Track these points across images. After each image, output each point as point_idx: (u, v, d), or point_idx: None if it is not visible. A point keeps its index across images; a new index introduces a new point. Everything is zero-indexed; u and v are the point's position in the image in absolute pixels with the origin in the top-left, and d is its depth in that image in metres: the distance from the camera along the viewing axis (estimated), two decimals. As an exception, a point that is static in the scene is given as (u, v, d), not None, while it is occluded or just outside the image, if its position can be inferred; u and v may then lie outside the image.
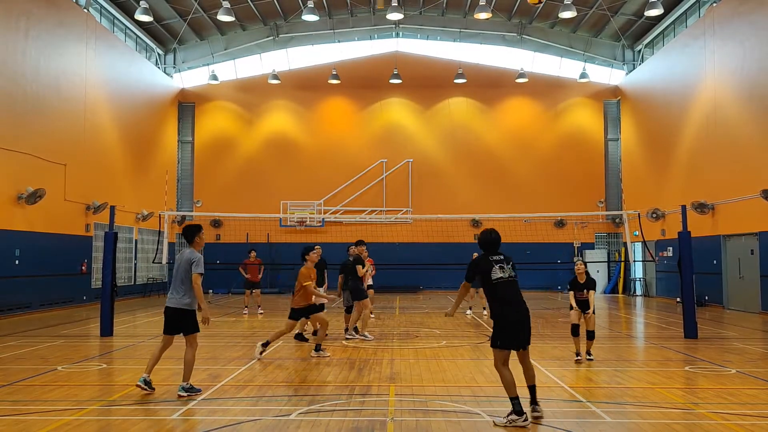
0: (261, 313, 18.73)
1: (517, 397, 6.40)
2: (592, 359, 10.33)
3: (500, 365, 6.56)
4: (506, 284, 6.67)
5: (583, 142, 31.17)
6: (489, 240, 6.95)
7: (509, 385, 6.45)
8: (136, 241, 26.39)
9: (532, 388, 6.64)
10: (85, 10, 22.62)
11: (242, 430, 6.37)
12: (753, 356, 10.99)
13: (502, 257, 6.84)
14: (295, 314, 10.67)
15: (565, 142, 31.01)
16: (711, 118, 21.96)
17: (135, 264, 26.36)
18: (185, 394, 7.69)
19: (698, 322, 13.66)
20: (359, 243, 13.71)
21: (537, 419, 6.53)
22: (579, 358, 10.26)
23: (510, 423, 6.34)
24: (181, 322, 7.85)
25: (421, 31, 31.26)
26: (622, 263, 28.84)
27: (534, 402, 6.62)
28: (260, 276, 18.98)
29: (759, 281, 18.88)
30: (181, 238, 30.49)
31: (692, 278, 13.36)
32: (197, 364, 10.03)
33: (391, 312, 19.44)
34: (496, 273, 6.68)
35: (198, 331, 7.99)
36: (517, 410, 6.37)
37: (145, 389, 7.75)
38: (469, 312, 18.51)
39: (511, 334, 6.56)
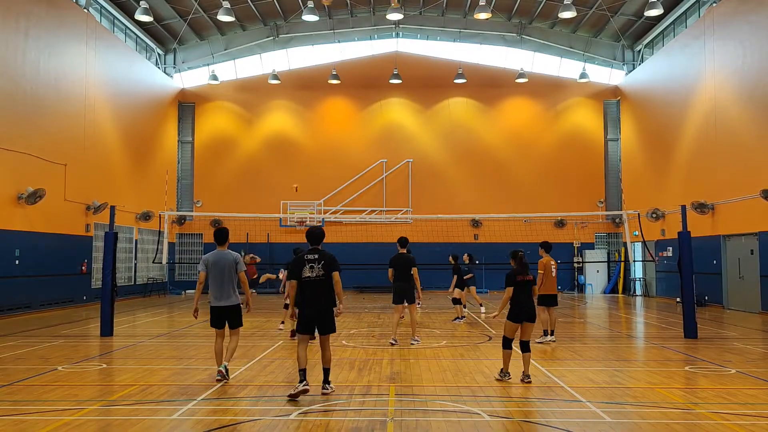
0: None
1: (303, 370, 7.67)
2: None
3: (299, 346, 7.86)
4: (311, 283, 7.77)
5: (582, 142, 31.17)
6: (310, 234, 8.03)
7: (300, 360, 7.75)
8: (136, 241, 26.38)
9: (325, 371, 7.88)
10: (85, 10, 22.62)
11: (242, 430, 6.37)
12: (753, 356, 10.98)
13: (316, 256, 7.83)
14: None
15: (565, 142, 31.00)
16: (711, 118, 21.96)
17: (135, 264, 26.35)
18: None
19: (698, 322, 13.66)
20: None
21: (325, 395, 7.71)
22: None
23: (296, 389, 7.57)
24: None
25: (421, 31, 31.26)
26: (622, 263, 28.83)
27: (325, 381, 7.85)
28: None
29: (759, 281, 18.88)
30: (181, 238, 30.68)
31: (692, 278, 13.36)
32: (197, 364, 10.08)
33: (391, 312, 19.40)
34: (306, 272, 7.80)
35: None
36: (301, 379, 7.63)
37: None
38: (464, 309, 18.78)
39: (305, 324, 7.84)
